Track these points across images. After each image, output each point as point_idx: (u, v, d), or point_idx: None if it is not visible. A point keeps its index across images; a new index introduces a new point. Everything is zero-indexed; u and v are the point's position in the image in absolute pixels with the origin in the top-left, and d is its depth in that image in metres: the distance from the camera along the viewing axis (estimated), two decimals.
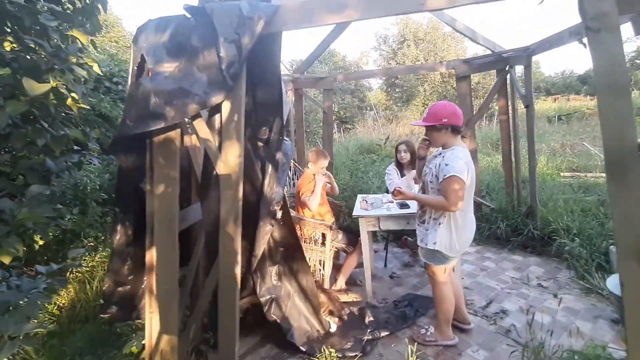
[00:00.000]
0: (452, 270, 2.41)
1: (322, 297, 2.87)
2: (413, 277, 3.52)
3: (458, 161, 2.02)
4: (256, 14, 1.60)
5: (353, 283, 3.38)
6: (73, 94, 1.73)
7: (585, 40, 2.68)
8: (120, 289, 2.17)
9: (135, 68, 1.75)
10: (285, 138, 2.02)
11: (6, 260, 1.52)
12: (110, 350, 2.19)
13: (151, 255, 1.98)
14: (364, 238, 2.97)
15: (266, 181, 1.84)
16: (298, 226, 3.10)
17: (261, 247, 1.93)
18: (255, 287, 2.45)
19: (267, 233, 1.93)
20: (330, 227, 2.98)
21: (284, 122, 1.81)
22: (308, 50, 4.74)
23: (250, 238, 1.95)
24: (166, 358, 1.94)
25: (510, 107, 4.07)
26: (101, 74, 3.64)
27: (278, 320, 2.46)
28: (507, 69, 3.83)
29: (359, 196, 3.50)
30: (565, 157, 6.25)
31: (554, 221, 3.71)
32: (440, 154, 2.19)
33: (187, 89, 1.65)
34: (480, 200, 4.30)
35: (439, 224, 2.17)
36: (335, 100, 13.70)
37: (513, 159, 4.25)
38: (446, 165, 2.04)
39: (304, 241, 3.10)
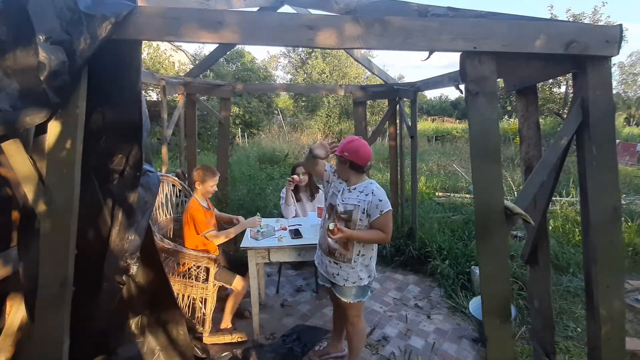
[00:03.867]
0: None
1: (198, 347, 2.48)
2: (304, 303, 3.41)
3: (383, 194, 2.12)
4: (99, 12, 1.18)
5: (241, 315, 3.07)
6: None
7: (461, 86, 2.97)
8: None
9: None
10: (150, 169, 1.61)
11: None
12: None
13: None
14: (252, 271, 2.69)
15: (114, 230, 1.40)
16: (177, 260, 2.64)
17: (104, 316, 1.47)
18: (110, 345, 1.93)
19: (115, 294, 1.48)
20: (215, 261, 2.61)
21: (142, 154, 1.41)
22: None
23: (89, 303, 1.47)
24: None
25: (398, 135, 4.36)
26: None
27: None
28: (397, 99, 4.08)
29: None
30: (440, 177, 7.16)
31: (428, 242, 4.08)
32: (356, 188, 2.15)
33: None
34: None
35: (370, 257, 2.20)
36: (241, 104, 13.07)
37: (399, 181, 4.57)
38: (380, 200, 2.08)
39: (183, 276, 2.66)
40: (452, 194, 6.14)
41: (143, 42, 1.39)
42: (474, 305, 2.96)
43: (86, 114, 1.34)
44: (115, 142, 1.43)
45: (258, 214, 2.99)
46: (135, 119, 1.38)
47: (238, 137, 11.99)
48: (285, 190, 3.42)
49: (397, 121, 4.27)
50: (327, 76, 15.44)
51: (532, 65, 1.42)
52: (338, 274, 2.20)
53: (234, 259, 3.06)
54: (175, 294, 2.68)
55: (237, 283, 2.72)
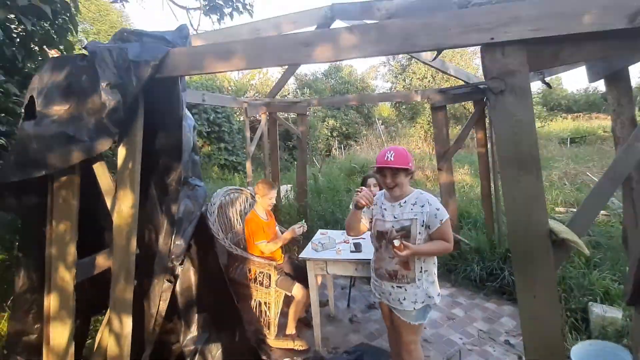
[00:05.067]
0: None
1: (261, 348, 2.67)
2: (373, 322, 3.27)
3: (439, 202, 1.99)
4: (144, 57, 1.47)
5: (307, 324, 3.16)
6: None
7: (547, 79, 2.46)
8: (25, 338, 2.03)
9: (22, 111, 1.64)
10: (198, 184, 1.86)
11: None
12: None
13: (48, 304, 1.84)
14: (311, 281, 2.76)
15: (161, 235, 1.68)
16: (245, 265, 2.92)
17: (156, 305, 1.75)
18: (179, 336, 2.27)
19: (166, 290, 1.76)
20: (275, 268, 2.79)
21: (182, 171, 1.65)
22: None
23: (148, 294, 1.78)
24: None
25: (489, 140, 3.82)
26: None
27: None
28: (485, 100, 3.60)
29: (319, 232, 3.31)
30: (562, 189, 5.86)
31: None
32: (407, 202, 2.02)
33: (71, 134, 1.53)
34: (458, 236, 4.02)
35: (434, 273, 2.06)
36: (338, 116, 13.59)
37: (493, 193, 3.98)
38: (437, 209, 1.95)
39: (252, 281, 2.91)
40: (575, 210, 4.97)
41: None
42: (579, 351, 2.32)
43: (146, 139, 1.67)
44: (168, 160, 1.71)
45: (303, 220, 3.04)
46: (178, 140, 1.64)
47: (335, 148, 12.42)
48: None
49: (487, 125, 3.75)
50: (429, 81, 14.63)
51: (585, 48, 1.10)
52: (405, 299, 2.02)
53: (300, 268, 3.18)
54: (248, 296, 2.98)
55: (297, 291, 2.81)
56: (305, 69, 14.09)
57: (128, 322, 1.67)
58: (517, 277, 1.15)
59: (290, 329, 2.96)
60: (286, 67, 4.16)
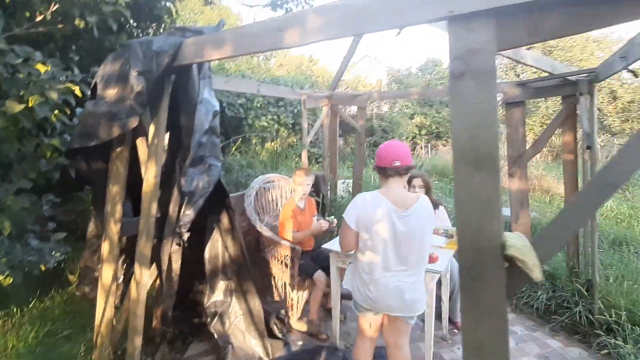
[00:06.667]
0: (378, 329, 2.02)
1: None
2: None
3: (352, 204, 1.88)
4: (163, 48, 1.70)
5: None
6: (56, 111, 2.16)
7: (631, 67, 1.92)
8: (91, 273, 2.58)
9: (88, 93, 2.07)
10: (214, 163, 2.06)
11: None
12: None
13: (103, 249, 2.31)
14: (333, 273, 2.75)
15: (171, 204, 1.93)
16: (276, 247, 3.07)
17: (165, 263, 2.02)
18: (203, 298, 2.57)
19: (175, 252, 2.01)
20: (295, 251, 2.87)
21: (193, 152, 1.86)
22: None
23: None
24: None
25: (579, 144, 3.13)
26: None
27: (216, 336, 2.52)
28: (577, 95, 2.94)
29: None
30: None
31: (611, 303, 2.70)
32: None
33: (114, 112, 1.87)
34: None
35: (349, 262, 2.09)
36: (429, 114, 12.80)
37: None
38: None
39: (280, 263, 3.06)
40: None
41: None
42: None
43: (173, 120, 1.93)
44: (185, 139, 1.95)
45: (333, 217, 3.01)
46: (191, 123, 1.85)
47: (421, 147, 11.72)
48: None
49: (577, 126, 3.08)
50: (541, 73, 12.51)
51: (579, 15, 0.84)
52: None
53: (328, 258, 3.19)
54: (273, 276, 3.15)
55: (317, 278, 2.85)
56: (398, 64, 13.55)
57: (146, 273, 1.98)
58: (462, 295, 0.97)
59: (312, 315, 3.01)
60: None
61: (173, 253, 2.04)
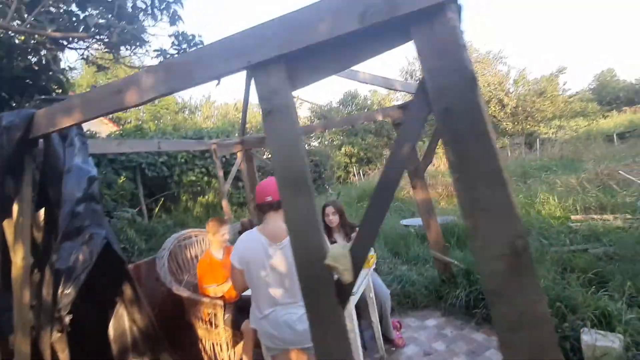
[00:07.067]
0: None
1: None
2: None
3: (236, 243, 1.98)
4: (14, 123, 1.64)
5: None
6: None
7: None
8: None
9: None
10: (96, 232, 1.95)
11: None
12: None
13: None
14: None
15: (44, 286, 1.77)
16: (198, 307, 2.90)
17: (48, 357, 1.79)
18: None
19: (59, 341, 1.80)
20: (222, 306, 2.74)
21: (64, 225, 1.75)
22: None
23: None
24: None
25: None
26: None
27: None
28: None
29: None
30: (584, 194, 5.15)
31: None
32: None
33: None
34: (441, 256, 3.68)
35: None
36: (355, 142, 13.59)
37: None
38: None
39: (204, 322, 2.88)
40: (595, 217, 4.34)
41: None
42: None
43: (43, 193, 1.81)
44: (55, 212, 1.83)
45: None
46: (57, 194, 1.75)
47: (354, 174, 12.29)
48: None
49: None
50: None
51: (332, 56, 1.03)
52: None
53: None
54: (200, 339, 2.94)
55: (244, 329, 2.72)
56: (319, 99, 14.40)
57: None
58: (306, 308, 1.02)
59: None
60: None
61: (55, 342, 1.82)
